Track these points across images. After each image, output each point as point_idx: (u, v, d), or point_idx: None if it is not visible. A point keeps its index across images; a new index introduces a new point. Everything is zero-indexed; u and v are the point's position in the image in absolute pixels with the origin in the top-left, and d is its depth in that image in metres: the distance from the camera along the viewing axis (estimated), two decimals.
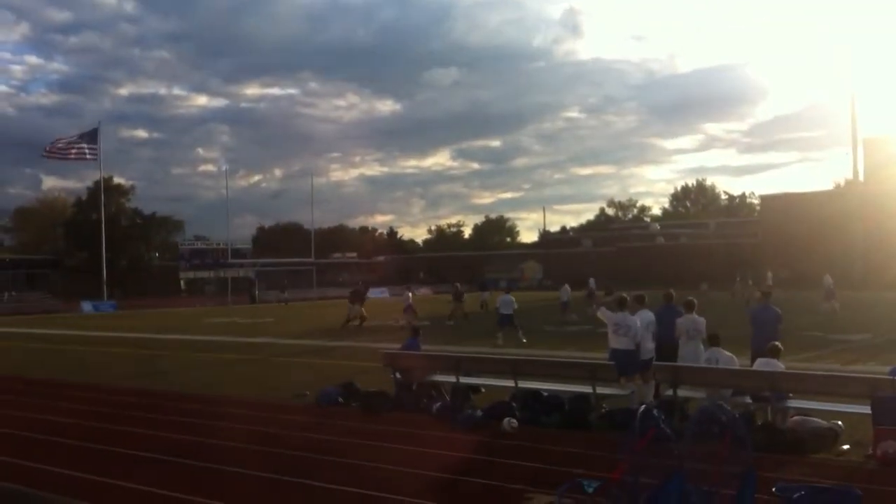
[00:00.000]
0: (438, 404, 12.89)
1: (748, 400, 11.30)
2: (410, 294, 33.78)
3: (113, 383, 17.67)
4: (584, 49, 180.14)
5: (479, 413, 12.06)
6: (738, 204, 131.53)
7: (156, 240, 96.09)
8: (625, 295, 13.89)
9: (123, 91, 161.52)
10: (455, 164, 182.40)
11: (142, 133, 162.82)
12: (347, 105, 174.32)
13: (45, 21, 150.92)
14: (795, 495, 7.63)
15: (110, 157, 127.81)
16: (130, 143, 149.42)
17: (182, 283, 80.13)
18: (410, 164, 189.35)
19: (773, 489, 7.74)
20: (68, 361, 23.26)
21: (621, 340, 12.77)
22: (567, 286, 35.66)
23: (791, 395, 10.95)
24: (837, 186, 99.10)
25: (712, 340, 12.24)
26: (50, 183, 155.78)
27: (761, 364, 11.46)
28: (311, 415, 13.14)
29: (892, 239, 61.35)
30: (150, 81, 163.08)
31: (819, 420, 10.52)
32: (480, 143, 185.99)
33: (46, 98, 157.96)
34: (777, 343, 11.88)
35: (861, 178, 72.58)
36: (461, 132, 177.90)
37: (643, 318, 13.08)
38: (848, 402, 10.50)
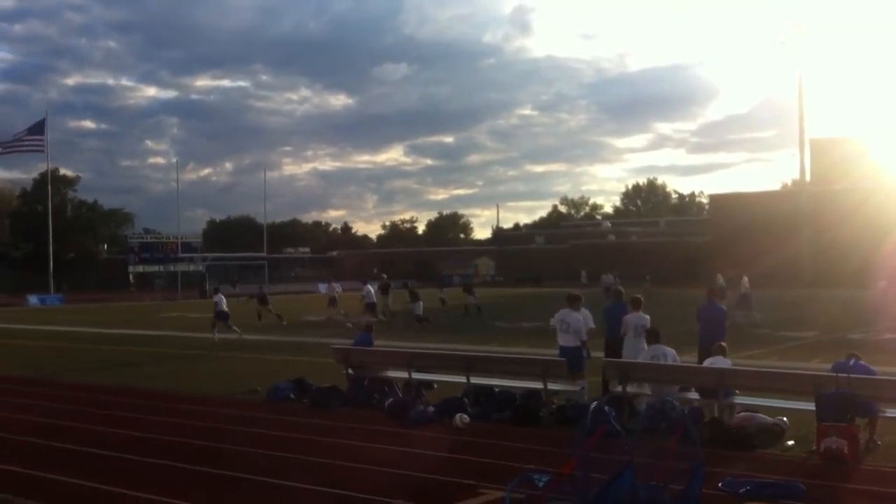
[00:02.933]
0: (391, 400, 12.85)
1: (695, 396, 11.45)
2: (370, 288, 32.35)
3: (60, 379, 17.38)
4: (533, 46, 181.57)
5: (431, 409, 12.05)
6: (687, 203, 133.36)
7: (104, 232, 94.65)
8: (577, 293, 13.96)
9: (70, 81, 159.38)
10: (408, 159, 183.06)
11: (89, 124, 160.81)
12: (299, 99, 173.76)
13: None
14: (741, 490, 7.78)
15: (56, 148, 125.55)
16: (77, 134, 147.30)
17: (131, 276, 78.97)
18: (363, 159, 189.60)
19: (720, 484, 7.88)
20: (16, 355, 22.82)
21: (564, 337, 12.87)
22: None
23: (738, 391, 11.11)
24: (785, 186, 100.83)
25: (652, 337, 12.22)
26: None
27: (709, 363, 11.59)
28: (261, 410, 13.04)
29: (840, 238, 62.53)
30: (97, 71, 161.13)
31: (765, 416, 10.68)
32: (434, 139, 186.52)
33: None
34: (723, 343, 12.02)
35: (808, 178, 73.92)
36: (414, 128, 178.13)
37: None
38: (793, 398, 10.69)
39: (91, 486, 8.56)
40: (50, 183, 69.19)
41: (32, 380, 17.17)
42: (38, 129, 61.97)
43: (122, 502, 8.04)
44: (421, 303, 31.11)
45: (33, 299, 57.97)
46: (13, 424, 12.01)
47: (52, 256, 64.07)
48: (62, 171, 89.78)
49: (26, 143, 61.60)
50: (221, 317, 26.34)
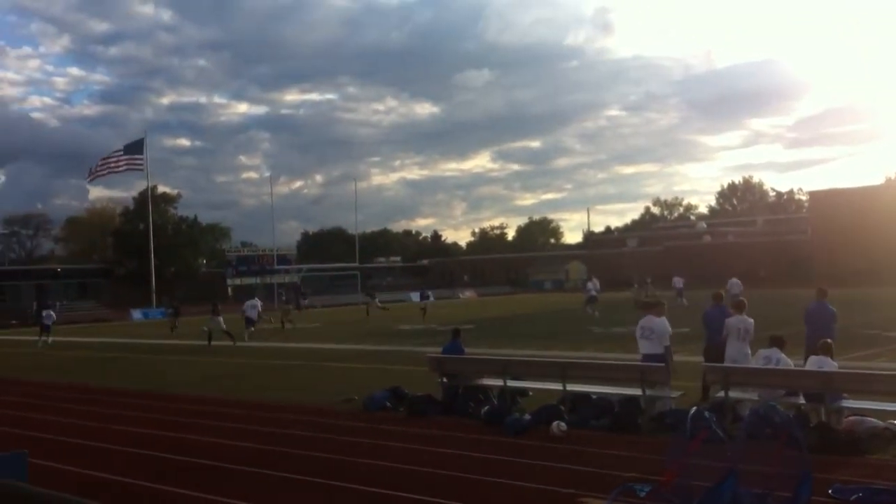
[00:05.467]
0: (486, 408, 12.84)
1: (801, 400, 11.09)
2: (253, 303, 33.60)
3: (168, 391, 17.90)
4: (615, 46, 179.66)
5: (527, 417, 11.97)
6: (786, 200, 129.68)
7: (203, 247, 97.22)
8: (655, 300, 13.70)
9: (165, 100, 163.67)
10: (495, 165, 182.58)
11: (184, 142, 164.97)
12: (386, 109, 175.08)
13: (86, 32, 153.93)
14: (853, 497, 7.50)
15: (154, 165, 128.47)
16: (173, 152, 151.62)
17: (230, 289, 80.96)
18: (451, 167, 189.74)
19: (830, 491, 7.61)
20: (125, 368, 23.66)
21: (647, 344, 12.62)
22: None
23: (846, 394, 10.73)
24: (888, 180, 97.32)
25: (775, 342, 11.66)
26: (96, 193, 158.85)
27: (814, 363, 11.21)
28: (359, 419, 13.17)
29: None
30: (190, 90, 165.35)
31: (875, 420, 10.31)
32: (520, 144, 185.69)
33: (89, 109, 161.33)
34: (829, 340, 11.59)
35: None
36: (500, 133, 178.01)
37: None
38: None
39: (191, 494, 8.77)
40: (150, 201, 71.59)
41: (144, 393, 17.73)
42: (136, 147, 64.24)
43: None
44: (221, 318, 30.44)
45: (137, 314, 59.99)
46: (124, 438, 12.42)
47: (154, 272, 66.13)
48: (161, 189, 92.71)
49: (126, 162, 63.87)
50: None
